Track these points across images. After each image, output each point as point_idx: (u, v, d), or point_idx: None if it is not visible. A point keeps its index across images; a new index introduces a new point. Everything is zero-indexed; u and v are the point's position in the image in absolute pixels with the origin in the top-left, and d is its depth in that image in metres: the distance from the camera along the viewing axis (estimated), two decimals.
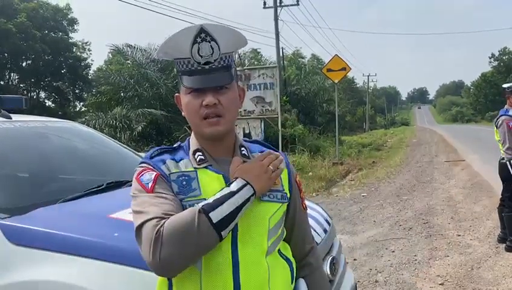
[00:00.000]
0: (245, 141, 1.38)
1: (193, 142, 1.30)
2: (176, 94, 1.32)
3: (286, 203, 1.31)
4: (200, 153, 1.27)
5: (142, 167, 1.25)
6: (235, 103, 1.27)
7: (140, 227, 1.12)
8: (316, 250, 1.47)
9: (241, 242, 1.20)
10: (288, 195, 1.32)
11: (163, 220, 1.09)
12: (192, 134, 1.31)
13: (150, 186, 1.18)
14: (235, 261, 1.19)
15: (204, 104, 1.20)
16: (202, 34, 1.20)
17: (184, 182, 1.22)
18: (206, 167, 1.25)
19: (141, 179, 1.21)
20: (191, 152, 1.29)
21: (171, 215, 1.10)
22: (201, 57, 1.20)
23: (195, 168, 1.25)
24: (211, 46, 1.20)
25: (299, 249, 1.40)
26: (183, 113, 1.28)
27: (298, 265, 1.39)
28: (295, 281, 1.35)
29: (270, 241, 1.25)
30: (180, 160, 1.27)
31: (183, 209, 1.15)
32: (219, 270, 1.18)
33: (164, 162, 1.26)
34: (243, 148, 1.31)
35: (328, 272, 2.14)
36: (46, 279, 1.73)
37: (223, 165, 1.26)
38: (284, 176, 1.33)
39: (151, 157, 1.28)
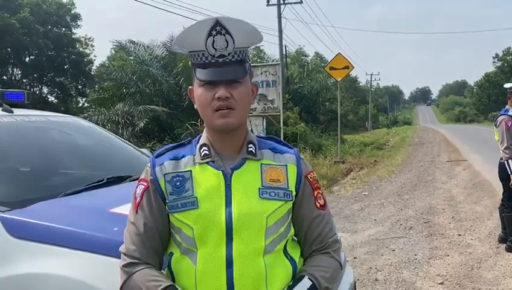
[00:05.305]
0: (259, 137, 1.35)
1: (203, 136, 1.31)
2: (190, 87, 1.31)
3: (291, 202, 1.27)
4: (206, 148, 1.27)
5: (146, 169, 1.33)
6: (247, 97, 1.26)
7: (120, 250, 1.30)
8: (338, 252, 1.35)
9: (235, 240, 1.19)
10: (294, 193, 1.27)
11: (127, 276, 1.24)
12: (205, 128, 1.31)
13: (137, 202, 1.29)
14: (229, 259, 1.19)
15: (216, 96, 1.20)
16: (217, 27, 1.20)
17: (178, 183, 1.25)
18: (207, 163, 1.26)
19: (137, 189, 1.31)
20: (198, 146, 1.29)
21: (134, 256, 1.25)
22: (216, 50, 1.20)
23: (196, 163, 1.26)
24: (225, 39, 1.20)
25: (312, 250, 1.32)
26: (195, 106, 1.28)
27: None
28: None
29: (269, 240, 1.22)
30: (183, 157, 1.29)
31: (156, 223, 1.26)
32: (213, 267, 1.19)
33: (162, 163, 1.29)
34: (250, 145, 1.29)
35: None
36: (46, 272, 1.74)
37: (227, 161, 1.26)
38: (292, 173, 1.29)
39: (157, 156, 1.33)
